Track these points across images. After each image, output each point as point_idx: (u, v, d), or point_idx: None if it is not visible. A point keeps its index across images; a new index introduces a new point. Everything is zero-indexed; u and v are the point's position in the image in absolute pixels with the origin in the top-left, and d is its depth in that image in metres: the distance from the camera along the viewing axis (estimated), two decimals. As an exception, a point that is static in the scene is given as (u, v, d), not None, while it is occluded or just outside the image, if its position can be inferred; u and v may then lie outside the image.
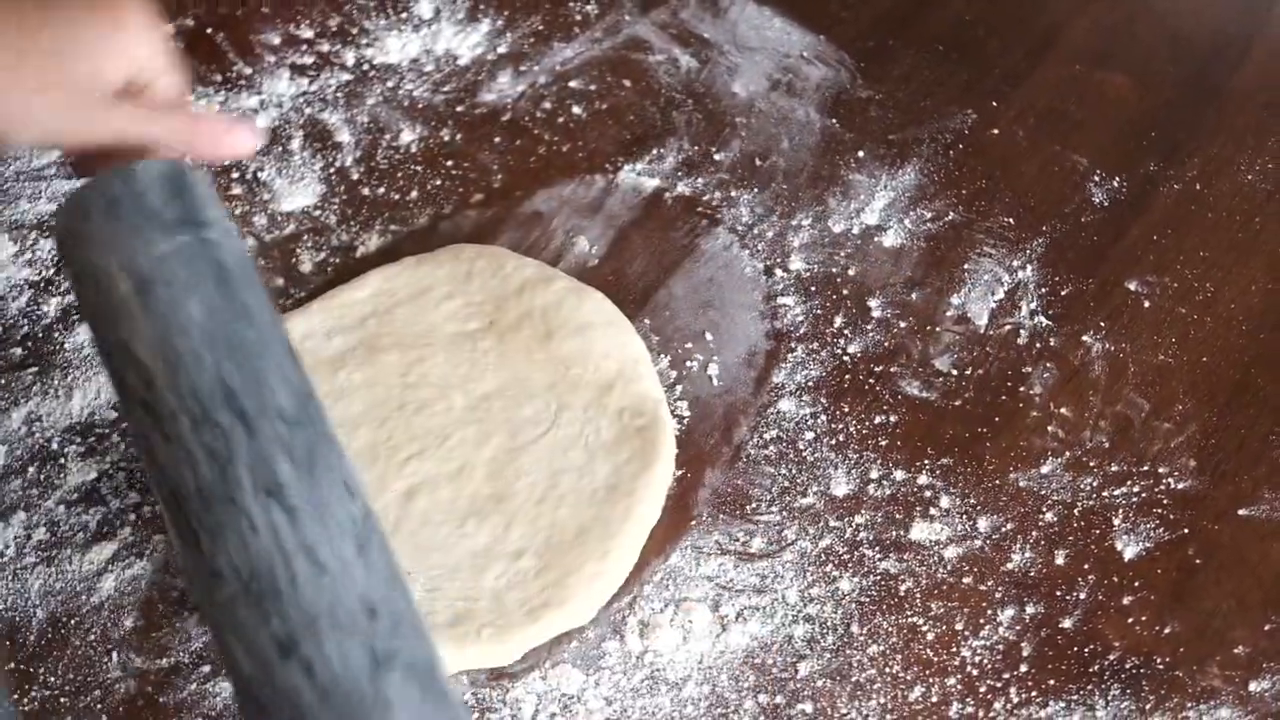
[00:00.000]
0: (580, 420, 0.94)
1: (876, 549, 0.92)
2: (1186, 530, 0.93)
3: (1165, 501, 0.94)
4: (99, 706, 0.88)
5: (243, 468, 0.68)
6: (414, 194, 1.06)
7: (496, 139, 1.09)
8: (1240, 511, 0.93)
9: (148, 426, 0.71)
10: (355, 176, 1.08)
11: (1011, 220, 1.05)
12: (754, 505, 0.94)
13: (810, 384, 0.98)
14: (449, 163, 1.08)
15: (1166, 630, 0.89)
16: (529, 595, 0.88)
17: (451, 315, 0.98)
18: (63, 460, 0.96)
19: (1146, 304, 1.01)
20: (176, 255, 0.73)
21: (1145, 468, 0.95)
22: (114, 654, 0.90)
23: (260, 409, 0.70)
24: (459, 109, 1.10)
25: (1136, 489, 0.94)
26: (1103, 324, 1.00)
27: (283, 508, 0.68)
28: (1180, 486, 0.94)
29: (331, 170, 1.08)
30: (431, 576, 0.89)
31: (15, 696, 0.88)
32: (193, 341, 0.71)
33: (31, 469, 0.96)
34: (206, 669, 0.89)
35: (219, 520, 0.68)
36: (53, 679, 0.89)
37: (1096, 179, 1.07)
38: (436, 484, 0.92)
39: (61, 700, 0.88)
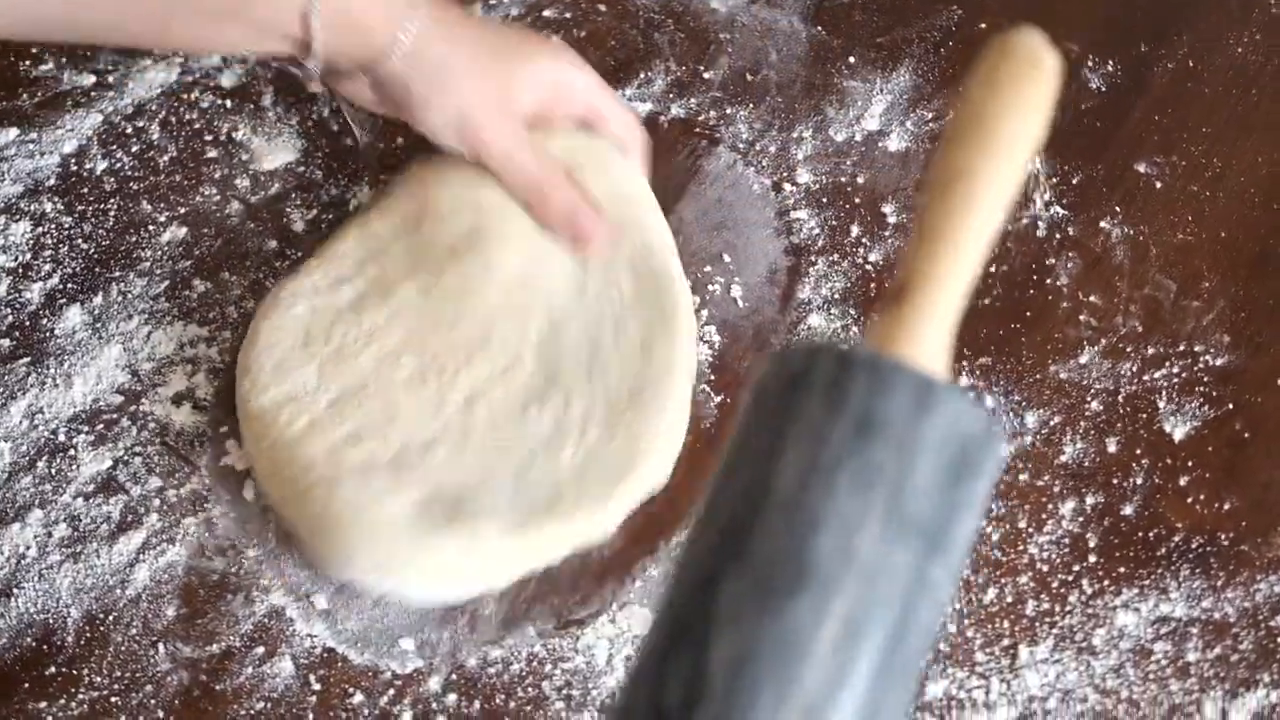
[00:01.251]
0: (602, 275, 0.93)
1: (929, 455, 0.91)
2: (1231, 405, 0.93)
3: (1206, 379, 0.94)
4: (153, 702, 0.84)
5: None
6: (399, 139, 1.02)
7: (477, 76, 1.05)
8: (1280, 381, 0.94)
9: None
10: (335, 128, 1.03)
11: (1012, 113, 1.04)
12: (800, 424, 0.92)
13: (837, 296, 0.97)
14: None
15: (1226, 506, 0.89)
16: (607, 466, 0.87)
17: (444, 227, 0.94)
18: (73, 451, 0.92)
19: (1158, 185, 1.01)
20: (869, 568, 0.49)
21: (1181, 347, 0.95)
22: (160, 646, 0.86)
23: None
24: (433, 49, 1.06)
25: (1176, 369, 0.94)
26: (1118, 209, 1.00)
27: None
28: (1218, 363, 0.94)
29: (309, 123, 1.03)
30: (516, 471, 0.87)
31: (61, 701, 0.84)
32: (783, 717, 0.48)
33: (40, 464, 0.91)
34: (261, 650, 0.86)
35: None
36: (98, 679, 0.85)
37: (1090, 65, 1.06)
38: (490, 386, 0.90)
39: (112, 700, 0.84)
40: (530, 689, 0.84)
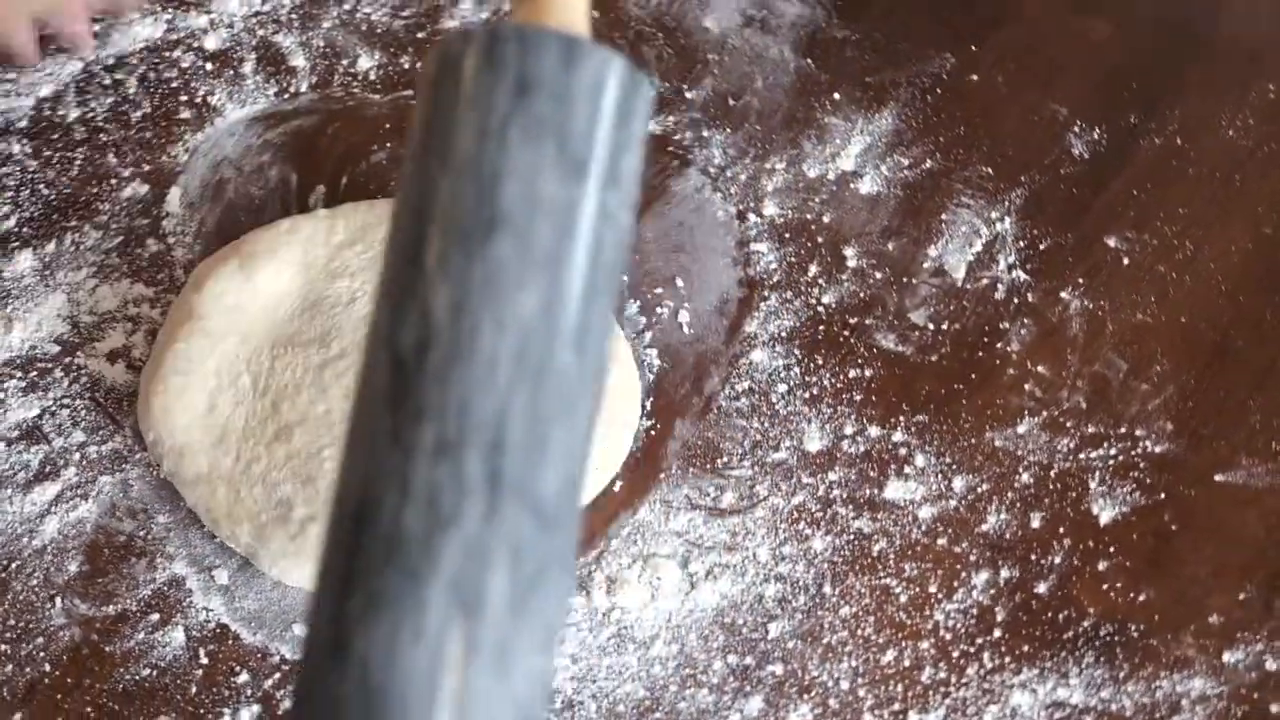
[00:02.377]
0: None
1: (850, 507, 0.90)
2: (1163, 495, 0.91)
3: (1142, 465, 0.92)
4: (41, 655, 0.85)
5: (453, 543, 0.52)
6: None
7: (459, 68, 1.04)
8: (1217, 477, 0.92)
9: (379, 370, 0.55)
10: (310, 103, 1.03)
11: (990, 170, 1.02)
12: (725, 459, 0.91)
13: (783, 334, 0.96)
14: (408, 92, 1.03)
15: (1141, 597, 0.88)
16: None
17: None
18: (2, 395, 0.92)
19: (1126, 261, 0.99)
20: (554, 207, 0.55)
21: (1122, 430, 0.93)
22: (57, 600, 0.86)
23: (522, 481, 0.53)
24: (419, 35, 1.05)
25: (1113, 451, 0.92)
26: (1081, 280, 0.98)
27: (464, 637, 0.51)
28: (1157, 450, 0.92)
29: (285, 95, 1.03)
30: None
31: (-47, 643, 0.84)
32: (505, 341, 0.53)
33: (-32, 404, 0.92)
34: (155, 617, 0.86)
35: (379, 592, 0.52)
36: (-9, 625, 0.85)
37: (1076, 130, 1.04)
38: None
39: (1, 648, 0.84)
40: (414, 692, 0.84)
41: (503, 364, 0.53)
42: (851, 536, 0.89)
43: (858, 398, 0.93)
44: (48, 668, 0.84)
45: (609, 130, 0.56)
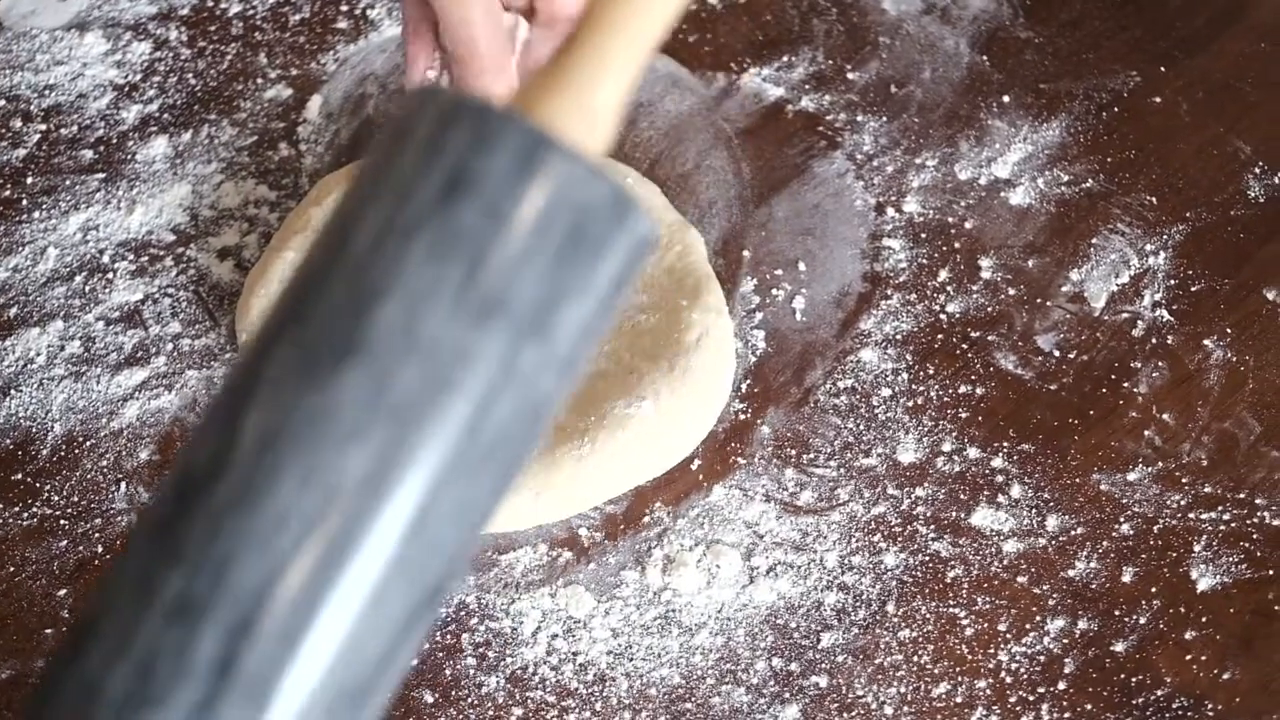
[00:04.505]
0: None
1: (932, 527, 0.85)
2: (1271, 572, 0.84)
3: (1255, 536, 0.85)
4: (97, 535, 0.85)
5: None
6: (525, 61, 1.00)
7: (622, 16, 1.02)
8: (1336, 563, 0.85)
9: (169, 480, 0.46)
10: (467, 31, 1.01)
11: (1154, 199, 0.96)
12: (812, 455, 0.87)
13: (899, 337, 0.91)
14: (568, 33, 1.01)
15: (1226, 676, 0.81)
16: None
17: None
18: (111, 275, 0.93)
19: (1282, 317, 0.92)
20: (435, 348, 0.44)
21: (1241, 495, 0.86)
22: (123, 485, 0.87)
23: (260, 680, 0.43)
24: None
25: (1227, 516, 0.86)
26: (1229, 330, 0.91)
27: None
28: (1276, 523, 0.85)
29: (444, 20, 1.02)
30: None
31: (16, 509, 0.85)
32: (306, 499, 0.43)
33: (78, 278, 0.93)
34: (212, 518, 0.85)
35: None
36: (57, 498, 0.86)
37: (1257, 171, 0.97)
38: None
39: (61, 522, 0.85)
40: (449, 636, 0.82)
41: (291, 527, 0.43)
42: (927, 558, 0.84)
43: (963, 415, 0.89)
44: (100, 549, 0.85)
45: (555, 267, 0.44)
